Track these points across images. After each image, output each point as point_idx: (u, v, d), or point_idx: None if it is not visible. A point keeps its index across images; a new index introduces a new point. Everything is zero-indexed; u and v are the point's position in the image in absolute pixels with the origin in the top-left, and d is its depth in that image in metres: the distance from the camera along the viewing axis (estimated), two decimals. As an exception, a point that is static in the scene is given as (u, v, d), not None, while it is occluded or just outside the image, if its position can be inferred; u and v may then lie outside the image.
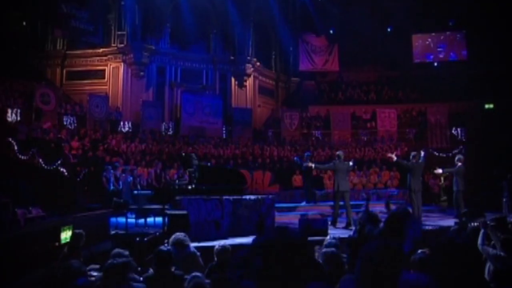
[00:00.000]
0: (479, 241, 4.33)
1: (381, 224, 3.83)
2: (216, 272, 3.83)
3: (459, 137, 19.10)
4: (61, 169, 12.06)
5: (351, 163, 10.54)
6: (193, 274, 3.20)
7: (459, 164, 10.50)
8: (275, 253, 1.70)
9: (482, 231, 4.42)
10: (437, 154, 16.96)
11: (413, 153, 10.18)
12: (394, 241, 3.00)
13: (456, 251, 1.79)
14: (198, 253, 4.76)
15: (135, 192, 11.53)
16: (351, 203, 10.19)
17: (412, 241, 3.21)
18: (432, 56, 24.24)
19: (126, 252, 4.16)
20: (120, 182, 11.48)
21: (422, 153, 10.16)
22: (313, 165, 11.52)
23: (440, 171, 10.94)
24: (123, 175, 11.79)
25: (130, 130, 17.83)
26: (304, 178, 13.76)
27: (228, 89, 21.48)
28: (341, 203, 10.06)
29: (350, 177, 15.75)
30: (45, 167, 11.97)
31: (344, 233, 8.20)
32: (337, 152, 10.71)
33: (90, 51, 19.76)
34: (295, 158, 14.63)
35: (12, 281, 4.90)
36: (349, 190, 10.24)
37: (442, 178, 14.55)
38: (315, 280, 1.99)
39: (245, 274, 2.85)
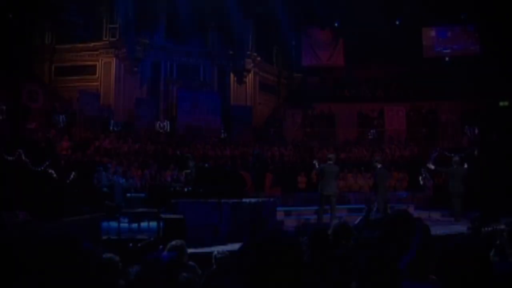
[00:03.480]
0: (492, 253, 4.27)
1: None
2: (215, 279, 3.84)
3: (472, 136, 19.09)
4: (50, 171, 12.06)
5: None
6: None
7: (455, 166, 10.71)
8: (265, 255, 1.70)
9: (497, 242, 4.33)
10: (448, 154, 16.95)
11: (377, 158, 11.21)
12: (390, 250, 2.97)
13: (464, 258, 1.79)
14: (199, 271, 4.66)
15: (128, 195, 11.54)
16: (354, 206, 10.30)
17: (417, 249, 3.16)
18: (443, 51, 24.21)
19: (117, 258, 4.15)
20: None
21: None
22: None
23: (432, 166, 11.13)
24: (115, 176, 11.80)
25: (123, 129, 17.83)
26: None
27: (227, 86, 21.47)
28: (327, 207, 10.21)
29: (356, 179, 15.93)
30: (33, 168, 11.96)
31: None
32: (329, 155, 10.99)
33: (80, 45, 19.72)
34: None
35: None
36: (335, 193, 10.40)
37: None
38: (306, 283, 2.01)
39: (236, 279, 2.86)
